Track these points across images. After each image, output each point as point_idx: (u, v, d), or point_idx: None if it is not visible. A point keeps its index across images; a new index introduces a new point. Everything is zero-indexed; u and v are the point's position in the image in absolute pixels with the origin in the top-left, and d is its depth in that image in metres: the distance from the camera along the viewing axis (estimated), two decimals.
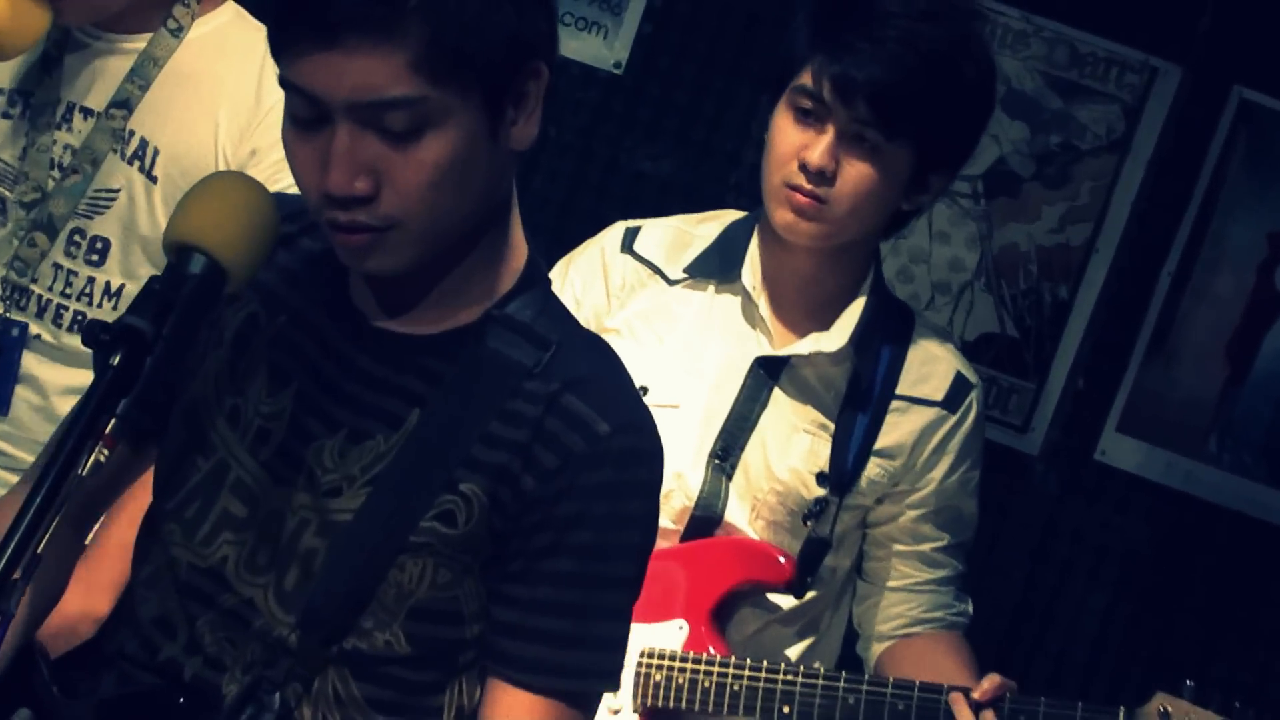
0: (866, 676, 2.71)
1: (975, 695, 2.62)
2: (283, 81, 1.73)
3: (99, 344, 1.65)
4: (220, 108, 2.55)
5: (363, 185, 1.72)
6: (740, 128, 4.36)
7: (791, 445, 2.72)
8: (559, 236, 3.01)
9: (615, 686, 1.90)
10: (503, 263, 1.88)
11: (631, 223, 2.84)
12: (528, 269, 1.90)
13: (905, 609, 2.81)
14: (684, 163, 4.39)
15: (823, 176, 2.55)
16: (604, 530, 1.84)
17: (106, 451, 1.59)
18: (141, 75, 2.55)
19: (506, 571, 1.84)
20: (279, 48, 1.73)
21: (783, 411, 2.72)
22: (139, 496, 2.01)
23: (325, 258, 1.85)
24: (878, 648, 2.81)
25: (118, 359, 1.61)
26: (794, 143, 2.57)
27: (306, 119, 1.73)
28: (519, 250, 1.89)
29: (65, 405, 2.57)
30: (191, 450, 1.90)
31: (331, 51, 1.69)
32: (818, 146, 2.54)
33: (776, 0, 4.26)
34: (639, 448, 1.85)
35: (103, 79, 2.57)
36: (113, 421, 1.59)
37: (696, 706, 2.72)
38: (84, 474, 1.57)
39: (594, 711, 1.94)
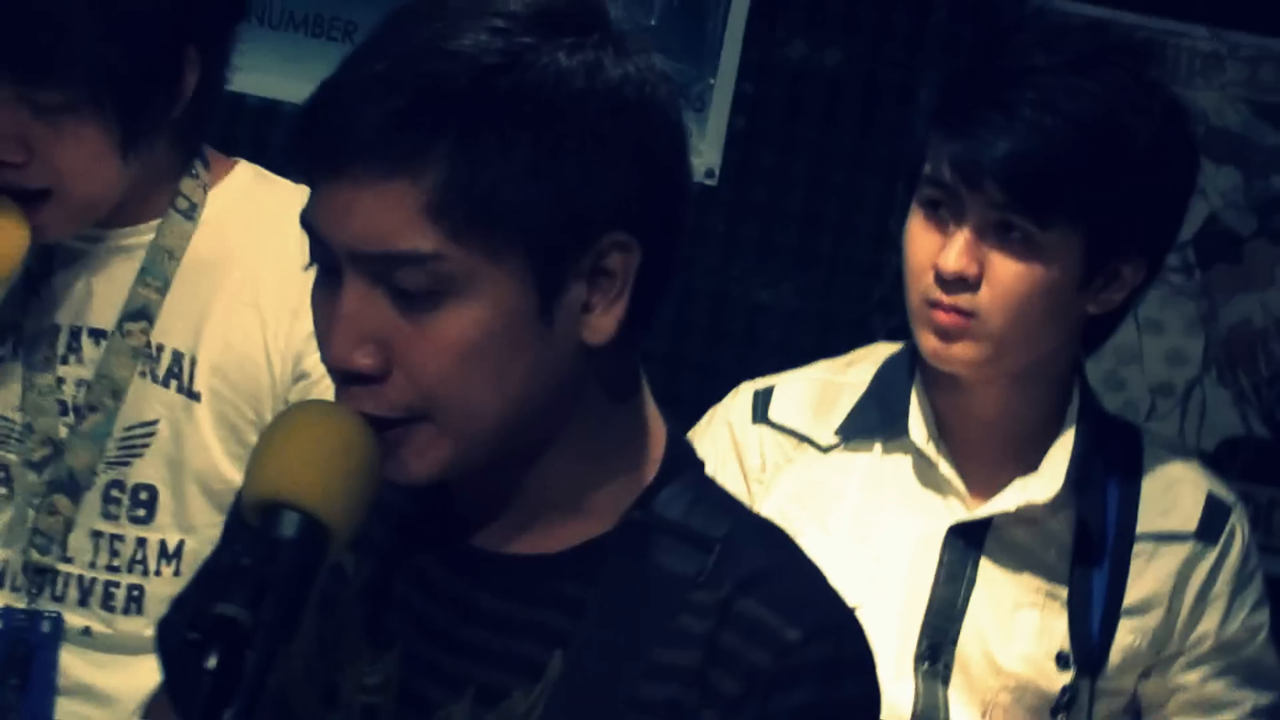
0: None
1: None
2: (300, 218, 1.71)
3: (186, 642, 1.59)
4: (261, 294, 2.48)
5: (367, 360, 1.64)
6: (875, 231, 4.11)
7: (1016, 627, 2.57)
8: (664, 401, 2.79)
9: None
10: (637, 457, 1.78)
11: (760, 383, 2.70)
12: (669, 453, 1.80)
13: None
14: (809, 286, 4.16)
15: (964, 283, 2.43)
16: None
17: None
18: (156, 274, 2.48)
19: None
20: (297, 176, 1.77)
21: (996, 587, 2.56)
22: None
23: (404, 489, 1.79)
24: None
25: (214, 661, 1.53)
26: (928, 248, 2.47)
27: (324, 267, 1.70)
28: (655, 434, 1.80)
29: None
30: None
31: (339, 181, 1.63)
32: (952, 248, 2.44)
33: (900, 65, 4.09)
34: (842, 656, 1.74)
35: (107, 289, 2.50)
36: None
37: None
38: None
39: None
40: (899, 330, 2.70)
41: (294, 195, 2.40)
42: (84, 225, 2.47)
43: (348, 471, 1.64)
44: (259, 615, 1.56)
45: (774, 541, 1.83)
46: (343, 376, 1.68)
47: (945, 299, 2.46)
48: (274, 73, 3.91)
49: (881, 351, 2.70)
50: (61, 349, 2.49)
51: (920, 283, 2.49)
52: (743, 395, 2.73)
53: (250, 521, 1.64)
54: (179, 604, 1.96)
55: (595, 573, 1.74)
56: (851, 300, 4.09)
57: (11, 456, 2.50)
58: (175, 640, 1.92)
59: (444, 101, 1.62)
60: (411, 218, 1.61)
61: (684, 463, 1.83)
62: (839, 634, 1.76)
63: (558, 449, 1.73)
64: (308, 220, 1.69)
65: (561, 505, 1.75)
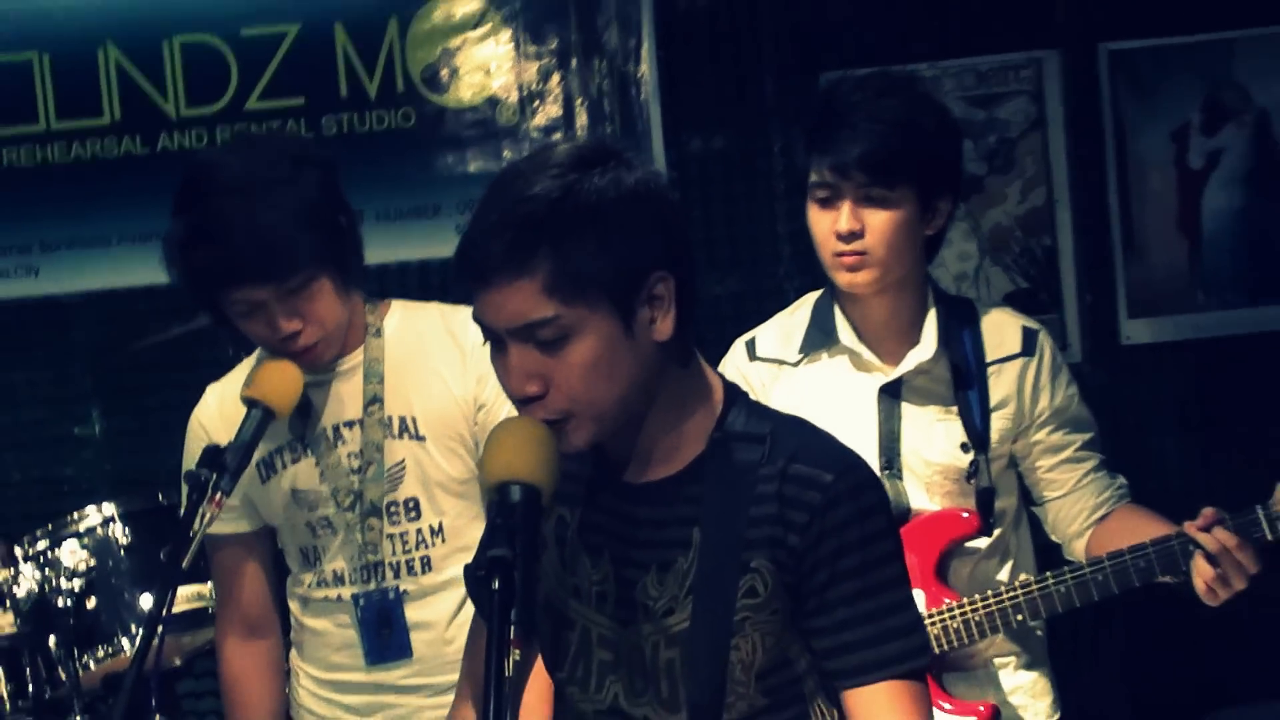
0: (1067, 568, 2.90)
1: (1200, 523, 2.77)
2: (473, 317, 1.91)
3: (477, 579, 1.87)
4: (439, 366, 2.83)
5: (533, 388, 1.88)
6: (769, 241, 4.81)
7: (933, 435, 2.93)
8: None
9: (928, 655, 2.02)
10: (707, 399, 2.02)
11: (746, 336, 3.07)
12: (726, 393, 2.04)
13: (1081, 505, 2.96)
14: (740, 279, 4.76)
15: (854, 235, 2.79)
16: (863, 550, 1.96)
17: (517, 652, 1.73)
18: (374, 374, 2.83)
19: (807, 610, 1.99)
20: (465, 294, 1.91)
21: (915, 416, 2.93)
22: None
23: (576, 456, 1.98)
24: (1079, 544, 2.97)
25: (497, 583, 1.76)
26: (825, 224, 2.82)
27: (493, 340, 1.90)
28: (713, 381, 2.04)
29: (450, 628, 2.88)
30: (560, 629, 2.08)
31: (488, 290, 1.86)
32: (841, 217, 2.79)
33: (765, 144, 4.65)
34: (859, 480, 2.00)
35: (346, 395, 2.85)
36: (512, 629, 1.74)
37: (955, 644, 2.89)
38: (509, 674, 1.71)
39: (924, 678, 2.05)
40: (805, 288, 3.08)
41: (433, 310, 2.87)
42: (332, 354, 2.78)
43: (540, 453, 1.88)
44: (514, 551, 1.78)
45: (800, 425, 2.05)
46: (520, 402, 1.89)
47: (846, 248, 2.79)
48: (389, 246, 4.70)
49: (810, 298, 3.04)
50: (334, 439, 2.85)
51: (827, 246, 2.82)
52: (738, 346, 3.06)
53: (490, 498, 1.87)
54: (474, 560, 2.15)
55: (704, 476, 1.98)
56: (768, 282, 4.70)
57: (329, 511, 2.85)
58: (472, 578, 2.10)
59: (535, 227, 1.85)
60: (535, 299, 1.84)
61: (734, 395, 2.02)
62: (856, 468, 1.99)
63: (658, 409, 1.98)
64: (478, 317, 1.90)
65: (671, 442, 2.00)
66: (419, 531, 2.84)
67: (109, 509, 3.56)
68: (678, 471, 2.00)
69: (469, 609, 2.37)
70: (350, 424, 2.83)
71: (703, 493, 1.96)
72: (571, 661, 2.07)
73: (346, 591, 2.88)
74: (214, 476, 2.60)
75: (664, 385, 1.97)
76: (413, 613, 2.89)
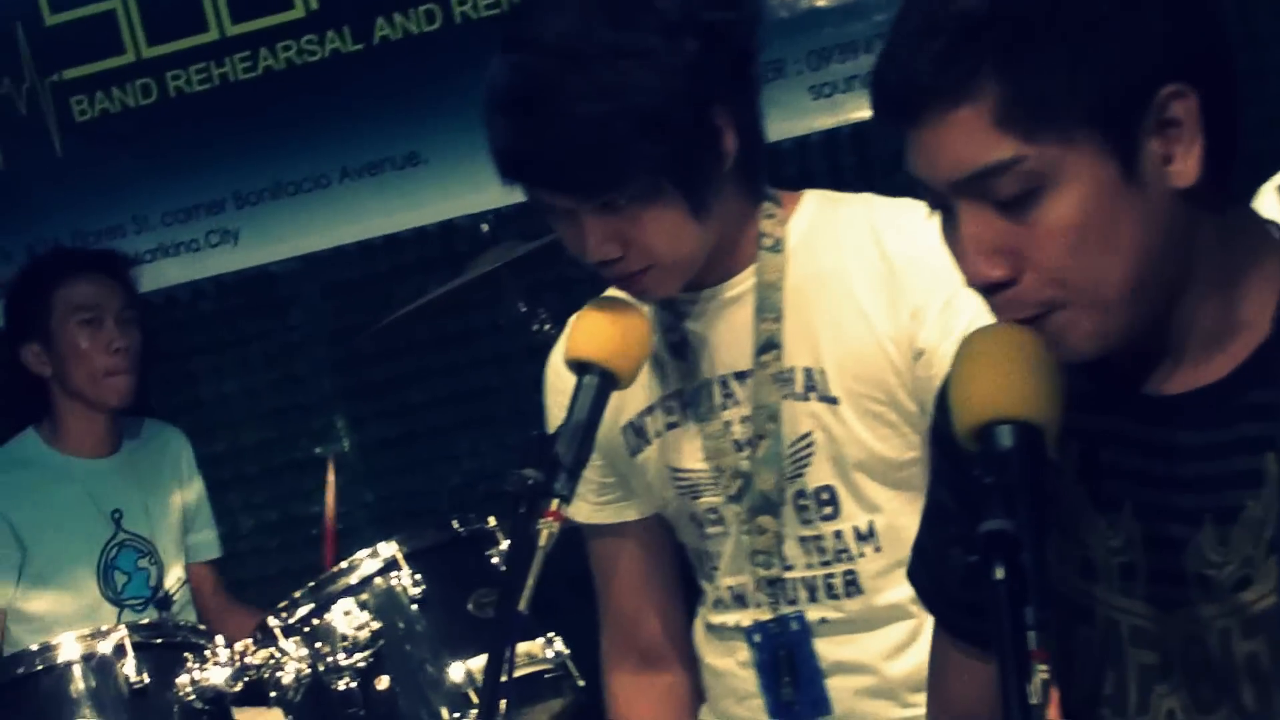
0: None
1: None
2: (907, 171, 1.80)
3: (968, 567, 1.69)
4: (859, 299, 2.57)
5: (999, 270, 1.73)
6: None
7: None
8: None
9: None
10: (1263, 260, 1.83)
11: (1276, 178, 2.93)
12: None
13: None
14: None
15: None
16: None
17: (1043, 669, 1.61)
18: (769, 308, 2.59)
19: None
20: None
21: None
22: None
23: (1077, 369, 1.83)
24: None
25: (1000, 572, 1.63)
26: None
27: (940, 208, 1.77)
28: (1272, 236, 1.85)
29: (891, 671, 2.59)
30: (1070, 625, 1.91)
31: (918, 131, 1.73)
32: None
33: None
34: None
35: (734, 335, 2.61)
36: (1031, 635, 1.62)
37: None
38: (1035, 701, 1.61)
39: None
40: None
41: (853, 204, 2.66)
42: (682, 283, 2.58)
43: (1036, 373, 1.73)
44: (1018, 520, 1.65)
45: None
46: (985, 291, 1.76)
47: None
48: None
49: None
50: (719, 398, 2.61)
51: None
52: (1267, 190, 2.87)
53: (969, 449, 1.74)
54: (918, 550, 2.06)
55: (1273, 374, 1.79)
56: None
57: (716, 499, 2.63)
58: (926, 579, 2.04)
59: (975, 30, 1.71)
60: (985, 135, 1.69)
61: None
62: None
63: (1193, 288, 1.80)
64: (912, 172, 1.78)
65: (1217, 332, 1.80)
66: (838, 536, 2.56)
67: (387, 550, 3.21)
68: (1230, 372, 1.79)
69: (920, 647, 2.34)
70: (741, 376, 2.59)
71: (1273, 399, 1.75)
72: (1093, 670, 1.88)
73: (744, 618, 2.65)
74: (544, 479, 2.37)
75: (1199, 251, 1.77)
76: (830, 650, 2.59)
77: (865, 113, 3.63)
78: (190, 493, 4.28)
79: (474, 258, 3.70)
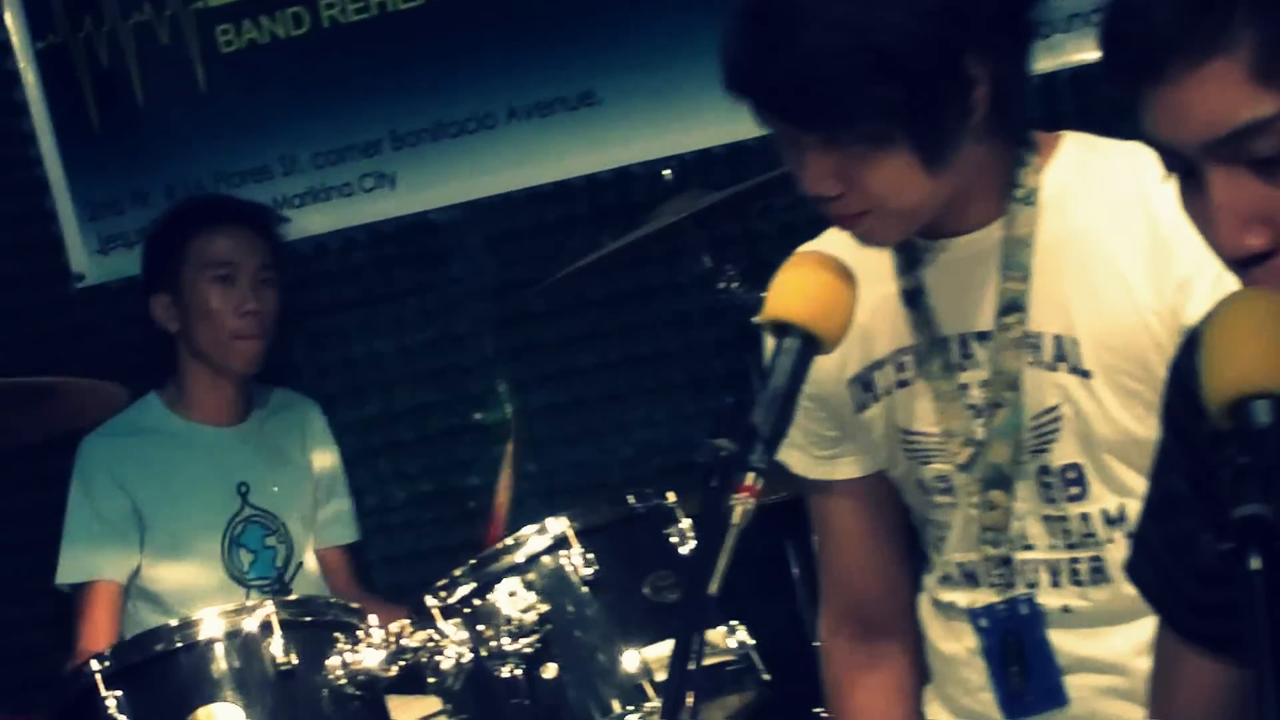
0: None
1: None
2: (1143, 136, 1.75)
3: (1220, 555, 1.63)
4: (1119, 261, 2.48)
5: (1259, 240, 1.68)
6: None
7: None
8: None
9: None
10: None
11: None
12: None
13: None
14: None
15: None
16: None
17: None
18: (1016, 266, 2.52)
19: None
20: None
21: None
22: None
23: None
24: None
25: (1256, 562, 1.57)
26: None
27: (1181, 174, 1.73)
28: None
29: (1144, 666, 2.37)
30: None
31: (1161, 88, 1.67)
32: None
33: None
34: None
35: (977, 292, 2.56)
36: None
37: None
38: None
39: None
40: None
41: (1119, 154, 2.52)
42: (906, 233, 2.53)
43: None
44: (1277, 504, 1.58)
45: None
46: (1242, 264, 1.70)
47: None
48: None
49: None
50: (956, 358, 2.55)
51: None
52: None
53: (1222, 424, 1.66)
54: (1140, 543, 2.00)
55: None
56: None
57: (945, 467, 2.57)
58: (1151, 574, 1.98)
59: None
60: (1240, 89, 1.63)
61: None
62: None
63: None
64: (1149, 135, 1.71)
65: None
66: (1085, 519, 2.47)
67: (557, 526, 3.17)
68: None
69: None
70: (980, 338, 2.52)
71: None
72: None
73: (973, 599, 2.57)
74: (739, 450, 2.28)
75: None
76: (1074, 644, 2.49)
77: (1087, 54, 3.45)
78: (323, 466, 4.22)
79: (653, 208, 3.66)
